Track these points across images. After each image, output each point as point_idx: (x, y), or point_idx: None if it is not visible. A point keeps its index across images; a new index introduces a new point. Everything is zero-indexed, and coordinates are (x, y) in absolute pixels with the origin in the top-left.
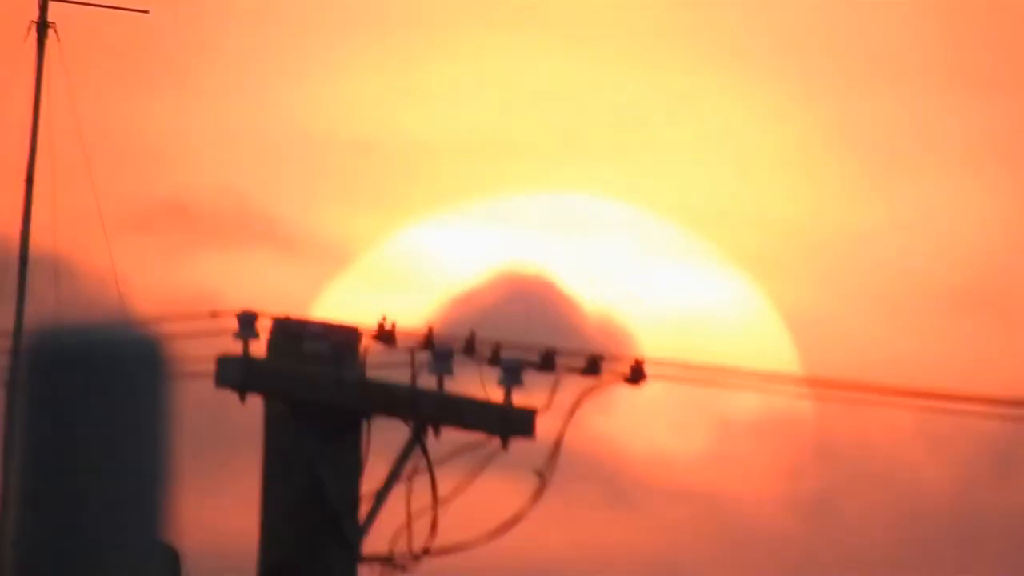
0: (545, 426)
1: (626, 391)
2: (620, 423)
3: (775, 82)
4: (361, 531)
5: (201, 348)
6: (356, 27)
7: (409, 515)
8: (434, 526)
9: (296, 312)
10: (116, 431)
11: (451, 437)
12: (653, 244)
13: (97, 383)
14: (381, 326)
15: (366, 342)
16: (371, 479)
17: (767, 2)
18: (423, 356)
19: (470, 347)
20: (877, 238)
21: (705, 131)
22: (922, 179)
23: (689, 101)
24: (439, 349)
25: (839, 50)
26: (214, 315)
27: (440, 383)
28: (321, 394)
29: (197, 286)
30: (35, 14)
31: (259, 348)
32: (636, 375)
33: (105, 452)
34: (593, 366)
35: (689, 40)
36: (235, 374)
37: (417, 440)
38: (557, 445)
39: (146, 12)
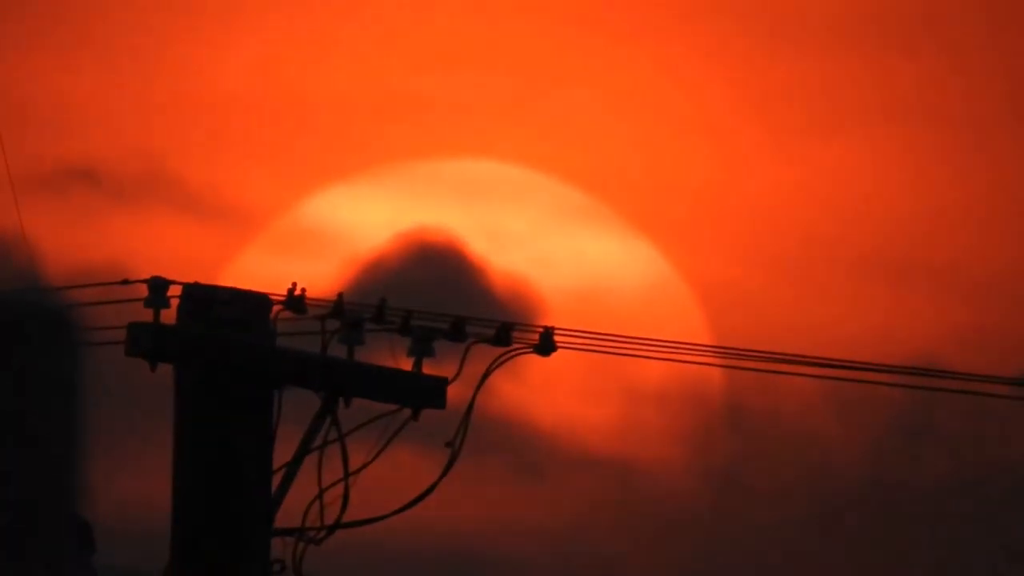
0: (456, 395)
1: (535, 360)
2: (530, 392)
3: (683, 44)
4: (274, 502)
5: (111, 315)
6: None
7: (320, 487)
8: (346, 498)
9: (206, 278)
10: (26, 399)
11: (362, 407)
12: (561, 210)
13: (5, 350)
14: (291, 293)
15: (276, 309)
16: (282, 450)
17: None
18: (333, 324)
19: (380, 315)
20: (786, 204)
21: (614, 95)
22: (831, 143)
23: (598, 64)
24: (349, 318)
25: (748, 11)
26: (124, 282)
27: (350, 353)
28: (231, 362)
29: (107, 252)
30: None
31: (170, 316)
32: (546, 345)
33: (14, 421)
34: (503, 335)
35: (598, 1)
36: (146, 342)
37: (328, 411)
38: (467, 416)
39: None
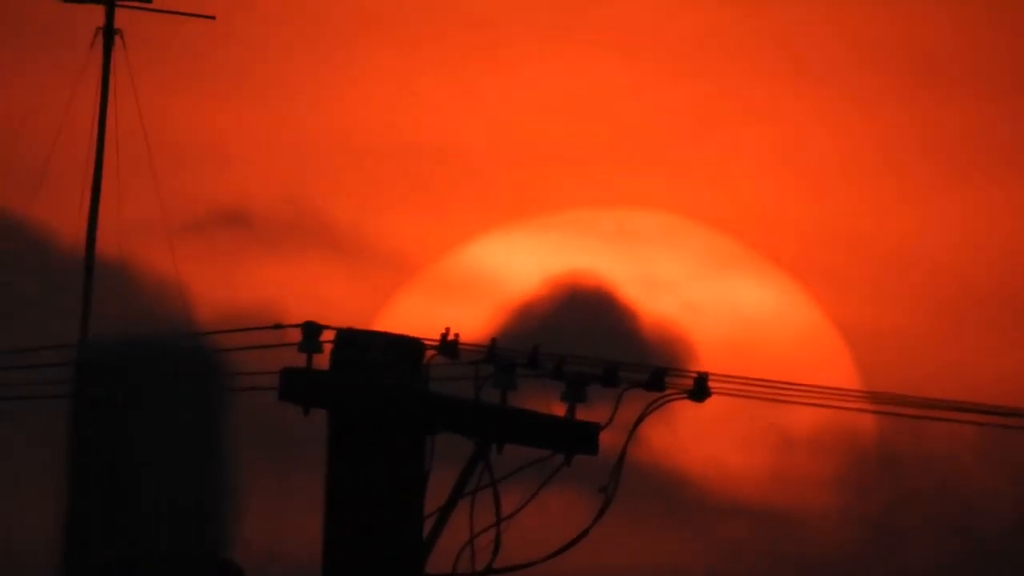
0: (608, 441)
1: (687, 406)
2: (681, 438)
3: (835, 91)
4: (426, 548)
5: (263, 360)
6: (420, 34)
7: (472, 532)
8: (497, 543)
9: (359, 323)
10: (176, 443)
11: (514, 451)
12: (712, 257)
13: (158, 394)
14: (444, 338)
15: (429, 355)
16: (434, 495)
17: (826, 9)
18: (486, 369)
19: (533, 360)
20: (937, 249)
21: (764, 141)
22: (985, 187)
23: (748, 111)
24: (502, 362)
25: (899, 58)
26: (277, 326)
27: (503, 398)
28: (385, 408)
29: (259, 296)
30: (101, 20)
31: (322, 360)
32: (700, 390)
33: (165, 465)
34: (656, 380)
35: (750, 47)
36: (299, 388)
37: (481, 456)
38: (620, 461)
39: (212, 18)
